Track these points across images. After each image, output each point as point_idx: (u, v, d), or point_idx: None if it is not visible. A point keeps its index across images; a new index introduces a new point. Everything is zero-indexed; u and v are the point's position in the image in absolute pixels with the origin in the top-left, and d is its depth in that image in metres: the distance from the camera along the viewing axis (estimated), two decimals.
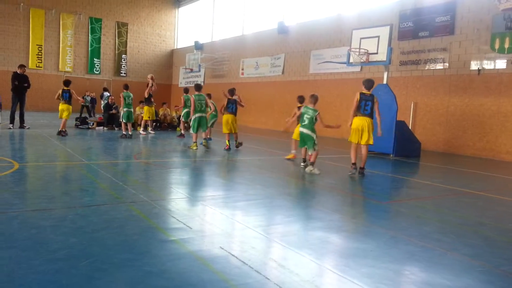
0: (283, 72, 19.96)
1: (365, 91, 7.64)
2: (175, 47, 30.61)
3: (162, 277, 2.85)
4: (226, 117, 10.51)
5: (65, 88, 12.17)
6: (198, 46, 26.18)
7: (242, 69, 22.89)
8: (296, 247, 3.63)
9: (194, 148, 10.11)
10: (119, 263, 3.02)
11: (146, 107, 14.00)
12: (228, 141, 10.60)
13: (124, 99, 12.78)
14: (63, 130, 12.06)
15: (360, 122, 7.50)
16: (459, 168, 9.86)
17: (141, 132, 13.99)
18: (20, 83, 13.41)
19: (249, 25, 22.92)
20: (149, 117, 14.04)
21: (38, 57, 25.71)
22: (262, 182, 6.76)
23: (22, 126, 13.29)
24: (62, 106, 12.11)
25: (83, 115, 17.58)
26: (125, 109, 12.76)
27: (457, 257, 3.58)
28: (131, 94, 13.10)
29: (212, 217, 4.56)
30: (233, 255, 3.32)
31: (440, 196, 6.42)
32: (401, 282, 3.07)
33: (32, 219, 4.04)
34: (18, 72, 13.51)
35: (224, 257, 3.29)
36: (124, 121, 12.75)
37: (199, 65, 24.93)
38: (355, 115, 7.51)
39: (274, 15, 20.88)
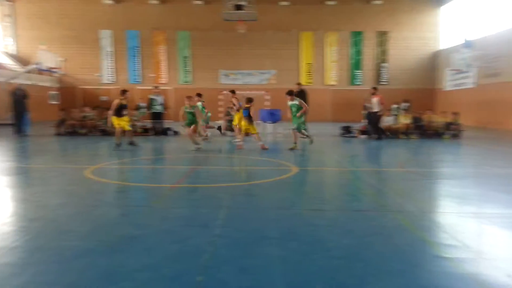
0: None
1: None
2: (439, 48, 28.51)
3: None
4: None
5: None
6: (466, 44, 23.47)
7: None
8: None
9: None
10: (391, 272, 3.01)
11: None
12: None
13: None
14: None
15: None
16: None
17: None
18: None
19: None
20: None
21: (308, 74, 29.14)
22: None
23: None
24: None
25: (347, 125, 17.89)
26: None
27: None
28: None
29: (494, 238, 3.94)
30: None
31: None
32: None
33: (309, 217, 4.54)
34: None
35: None
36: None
37: (469, 65, 22.31)
38: None
39: None
